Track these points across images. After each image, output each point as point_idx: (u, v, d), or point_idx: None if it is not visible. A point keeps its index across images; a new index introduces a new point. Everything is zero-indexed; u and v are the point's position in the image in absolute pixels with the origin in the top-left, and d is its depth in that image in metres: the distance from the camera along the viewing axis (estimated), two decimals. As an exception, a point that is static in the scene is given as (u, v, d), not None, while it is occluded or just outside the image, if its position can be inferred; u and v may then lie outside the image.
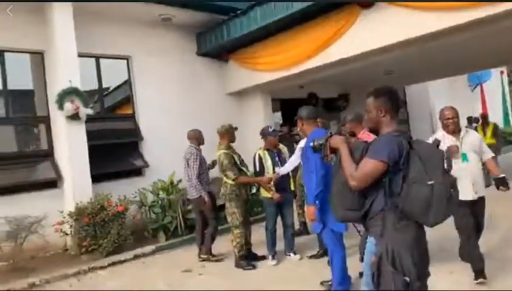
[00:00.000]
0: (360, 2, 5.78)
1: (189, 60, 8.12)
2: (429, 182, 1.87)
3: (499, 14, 4.70)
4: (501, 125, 17.25)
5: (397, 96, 2.20)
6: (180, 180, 6.65)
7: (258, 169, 4.87)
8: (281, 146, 5.12)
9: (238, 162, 4.81)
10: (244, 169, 4.87)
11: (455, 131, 3.65)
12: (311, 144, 2.56)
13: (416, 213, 1.91)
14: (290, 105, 9.64)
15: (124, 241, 5.73)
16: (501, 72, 18.05)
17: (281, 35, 7.08)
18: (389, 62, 7.81)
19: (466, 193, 3.47)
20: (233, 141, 5.00)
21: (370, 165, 1.98)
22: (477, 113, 15.08)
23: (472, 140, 3.66)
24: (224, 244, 5.41)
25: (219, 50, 8.10)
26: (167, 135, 7.52)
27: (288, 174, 4.90)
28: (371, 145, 2.08)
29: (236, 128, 5.04)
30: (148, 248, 5.89)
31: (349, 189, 2.04)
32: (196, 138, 5.39)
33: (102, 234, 5.60)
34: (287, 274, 4.49)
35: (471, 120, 11.80)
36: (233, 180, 4.65)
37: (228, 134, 4.91)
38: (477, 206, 3.63)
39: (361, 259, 2.39)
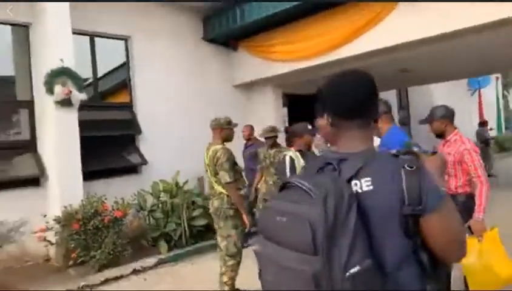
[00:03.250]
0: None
1: (194, 46, 7.23)
2: None
3: None
4: (495, 132, 17.17)
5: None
6: (186, 181, 5.81)
7: (288, 174, 4.08)
8: (313, 148, 4.37)
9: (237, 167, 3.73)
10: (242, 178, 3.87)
11: None
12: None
13: None
14: (297, 101, 8.93)
15: (120, 253, 4.84)
16: (497, 78, 17.95)
17: (303, 21, 6.31)
18: (408, 59, 7.19)
19: None
20: (229, 140, 3.79)
21: None
22: (474, 118, 14.92)
23: None
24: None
25: (228, 36, 7.26)
26: (168, 129, 6.64)
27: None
28: None
29: (235, 125, 3.90)
30: (149, 261, 5.01)
31: None
32: None
33: (95, 245, 4.70)
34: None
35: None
36: (226, 183, 3.48)
37: (224, 130, 3.70)
38: None
39: None
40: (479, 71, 10.91)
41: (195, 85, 7.14)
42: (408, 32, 5.29)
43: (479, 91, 15.59)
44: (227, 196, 3.54)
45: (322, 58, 6.26)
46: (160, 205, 5.61)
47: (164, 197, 5.72)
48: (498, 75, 17.63)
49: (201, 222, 5.60)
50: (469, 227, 2.94)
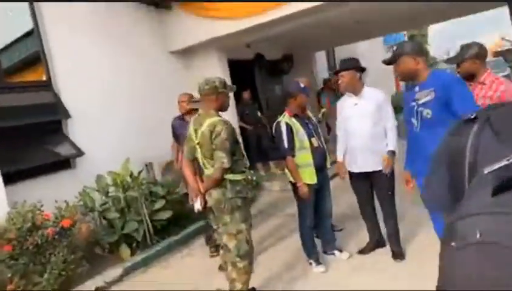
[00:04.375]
0: None
1: (121, 6, 5.96)
2: None
3: None
4: (404, 88, 18.34)
5: None
6: (142, 170, 4.82)
7: (286, 143, 3.43)
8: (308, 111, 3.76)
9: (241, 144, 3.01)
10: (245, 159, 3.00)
11: None
12: None
13: None
14: (236, 67, 8.16)
15: (74, 270, 3.78)
16: (404, 34, 19.02)
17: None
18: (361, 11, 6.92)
19: None
20: (225, 109, 2.98)
21: None
22: (391, 75, 15.70)
23: None
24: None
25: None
26: (99, 109, 5.45)
27: (323, 147, 3.60)
28: None
29: (232, 89, 3.05)
30: (113, 273, 4.04)
31: None
32: None
33: (38, 267, 3.57)
34: (361, 280, 3.25)
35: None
36: (223, 168, 2.69)
37: (220, 96, 2.85)
38: None
39: None
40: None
41: (124, 53, 5.94)
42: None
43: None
44: (231, 182, 2.76)
45: (272, 13, 5.55)
46: (111, 203, 4.56)
47: (113, 192, 4.68)
48: (405, 32, 18.68)
49: (165, 215, 4.70)
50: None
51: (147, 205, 4.56)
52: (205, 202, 2.79)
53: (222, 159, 2.65)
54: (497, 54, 29.25)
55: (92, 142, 5.19)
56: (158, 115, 5.87)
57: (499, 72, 16.95)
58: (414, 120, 2.57)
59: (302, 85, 3.50)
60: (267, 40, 8.35)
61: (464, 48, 2.92)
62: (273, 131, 3.54)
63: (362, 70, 3.51)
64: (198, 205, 2.78)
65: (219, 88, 2.83)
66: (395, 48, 2.80)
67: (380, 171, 3.42)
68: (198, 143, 2.80)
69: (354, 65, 3.49)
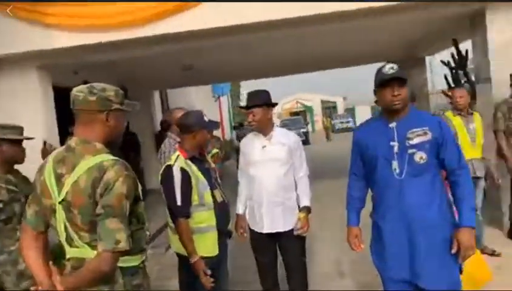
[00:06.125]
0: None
1: None
2: None
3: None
4: (228, 135, 19.10)
5: None
6: None
7: (180, 199, 2.37)
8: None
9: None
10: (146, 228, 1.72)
11: None
12: None
13: None
14: (63, 97, 6.40)
15: None
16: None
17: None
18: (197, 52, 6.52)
19: None
20: (118, 140, 1.74)
21: None
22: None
23: None
24: None
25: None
26: None
27: (228, 204, 2.70)
28: None
29: (136, 106, 1.94)
30: None
31: None
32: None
33: None
34: None
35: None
36: (116, 251, 1.42)
37: (113, 115, 1.61)
38: None
39: None
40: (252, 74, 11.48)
41: None
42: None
43: (219, 99, 16.79)
44: (124, 271, 1.53)
45: (122, 33, 4.55)
46: None
47: None
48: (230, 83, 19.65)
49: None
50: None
51: None
52: None
53: (117, 233, 1.42)
54: (293, 113, 34.64)
55: None
56: None
57: (298, 128, 19.58)
58: (394, 163, 2.03)
59: (206, 119, 2.55)
60: (96, 68, 7.08)
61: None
62: (161, 178, 2.44)
63: (273, 105, 2.87)
64: None
65: (114, 102, 1.61)
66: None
67: (290, 231, 2.74)
68: (61, 202, 1.48)
69: (266, 100, 2.81)
